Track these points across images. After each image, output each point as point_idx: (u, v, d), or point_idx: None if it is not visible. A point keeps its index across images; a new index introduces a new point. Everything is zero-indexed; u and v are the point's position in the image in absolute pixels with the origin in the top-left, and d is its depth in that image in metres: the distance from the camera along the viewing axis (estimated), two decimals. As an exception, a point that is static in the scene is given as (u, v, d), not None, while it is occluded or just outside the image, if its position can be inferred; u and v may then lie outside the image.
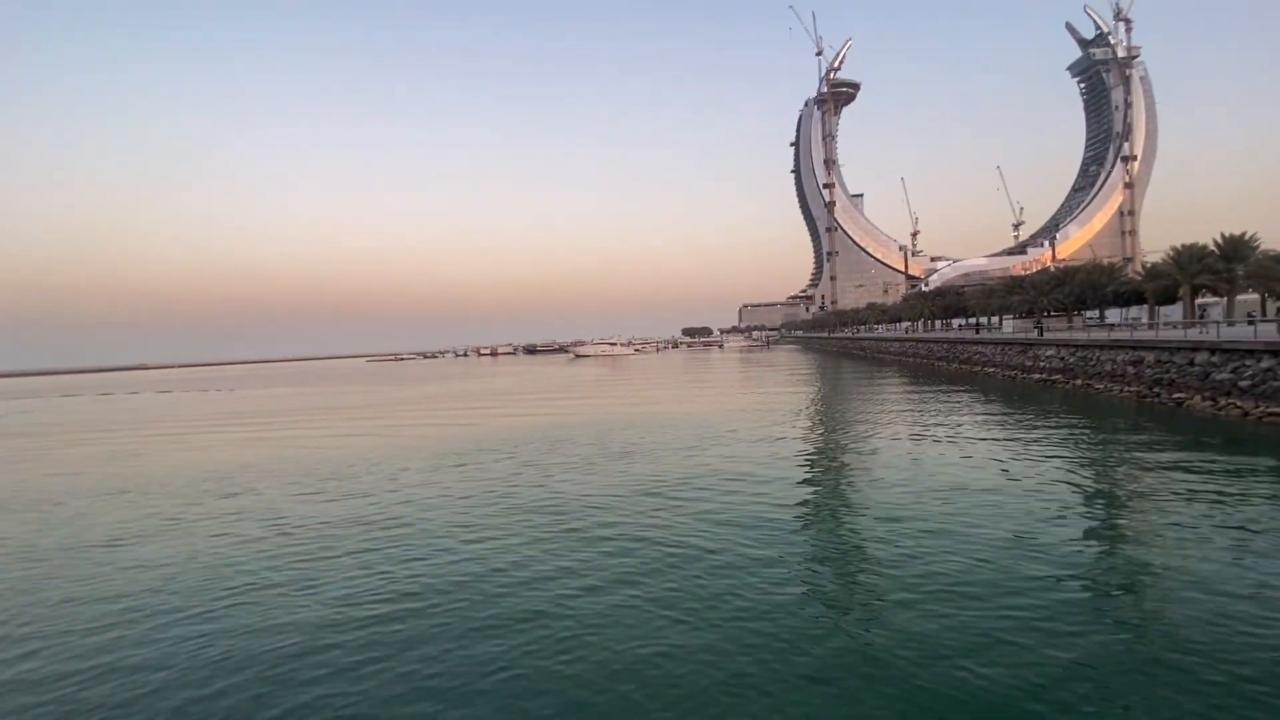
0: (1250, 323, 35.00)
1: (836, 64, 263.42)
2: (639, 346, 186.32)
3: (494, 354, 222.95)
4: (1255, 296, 48.04)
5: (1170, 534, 11.60)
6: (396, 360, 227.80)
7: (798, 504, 15.18)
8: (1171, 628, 8.10)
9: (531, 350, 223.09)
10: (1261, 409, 22.89)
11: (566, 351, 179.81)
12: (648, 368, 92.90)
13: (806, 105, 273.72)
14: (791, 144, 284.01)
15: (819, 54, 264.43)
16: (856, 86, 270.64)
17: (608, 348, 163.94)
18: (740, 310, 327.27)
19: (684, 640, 8.28)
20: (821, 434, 26.44)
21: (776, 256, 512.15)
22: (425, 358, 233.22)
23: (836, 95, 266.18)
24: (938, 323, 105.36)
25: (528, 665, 7.81)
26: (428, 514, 15.33)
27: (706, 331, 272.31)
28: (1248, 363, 25.27)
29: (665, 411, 35.77)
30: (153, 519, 16.31)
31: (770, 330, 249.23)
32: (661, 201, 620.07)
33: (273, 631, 9.11)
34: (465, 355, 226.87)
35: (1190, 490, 14.32)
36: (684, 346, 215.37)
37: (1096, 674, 7.06)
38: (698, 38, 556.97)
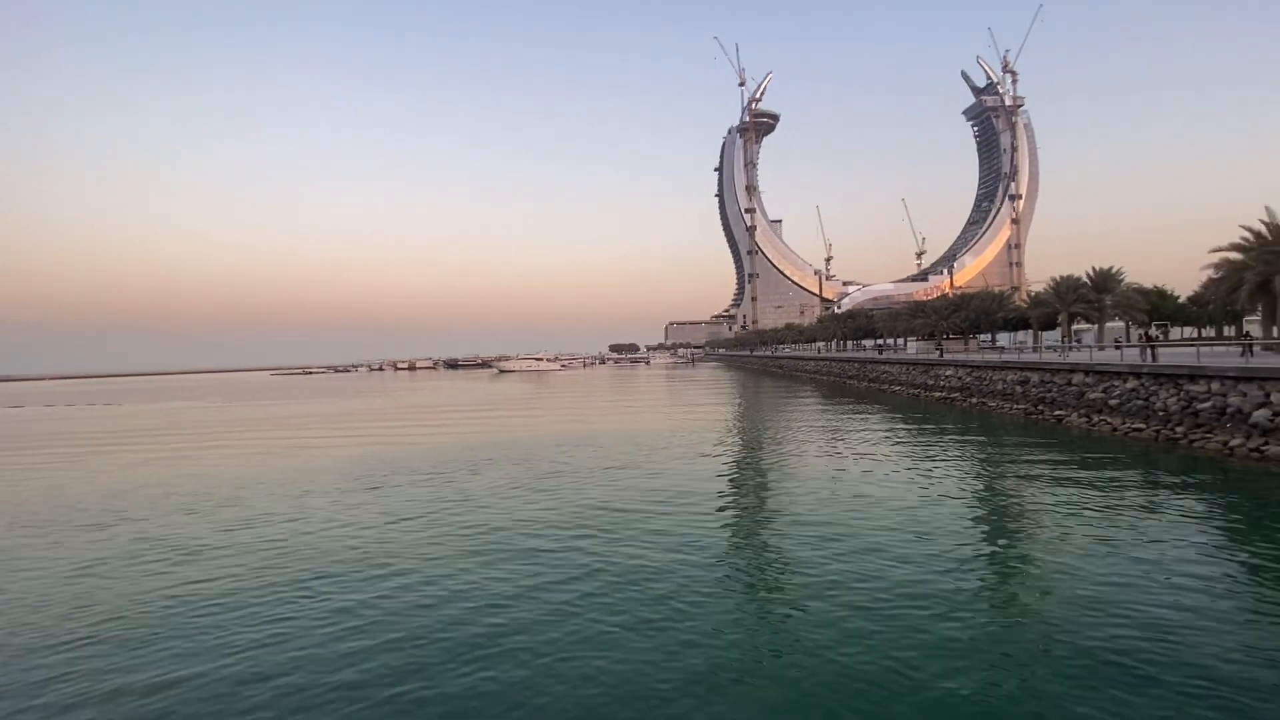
0: (1117, 347, 39.18)
1: (758, 95, 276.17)
2: (566, 362, 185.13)
3: (412, 368, 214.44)
4: (1121, 324, 53.93)
5: (1048, 535, 12.94)
6: (304, 374, 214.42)
7: (723, 518, 15.39)
8: (1049, 610, 9.26)
9: (453, 365, 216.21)
10: (1127, 425, 25.54)
11: (490, 367, 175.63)
12: (575, 384, 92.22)
13: (730, 133, 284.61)
14: (715, 169, 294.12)
15: (741, 84, 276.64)
16: (776, 117, 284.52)
17: (533, 363, 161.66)
18: (667, 328, 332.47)
19: (615, 654, 8.14)
20: (744, 450, 27.06)
21: (702, 276, 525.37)
22: (336, 371, 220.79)
23: (758, 125, 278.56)
24: (849, 343, 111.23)
25: (448, 690, 7.39)
26: (339, 543, 14.31)
27: (633, 348, 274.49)
28: (1115, 383, 28.19)
29: (593, 429, 35.50)
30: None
31: (695, 348, 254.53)
32: (591, 218, 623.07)
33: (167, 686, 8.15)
34: (380, 370, 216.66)
35: (1066, 498, 15.75)
36: (611, 363, 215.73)
37: (984, 652, 7.84)
38: (630, 57, 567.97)
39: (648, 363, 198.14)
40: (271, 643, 8.99)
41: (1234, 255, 36.05)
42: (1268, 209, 35.27)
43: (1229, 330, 57.23)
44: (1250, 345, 28.48)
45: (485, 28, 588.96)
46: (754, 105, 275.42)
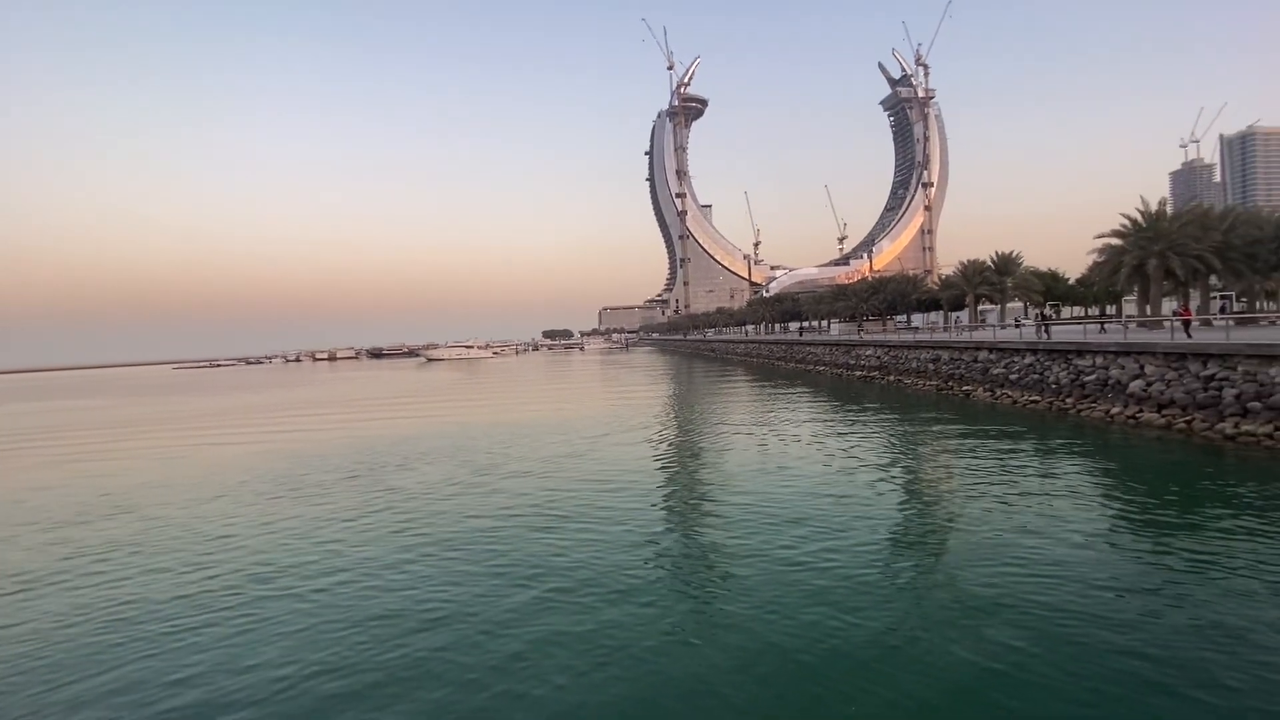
0: (1016, 326, 42.40)
1: (686, 79, 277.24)
2: (498, 349, 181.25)
3: (332, 359, 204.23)
4: (1020, 304, 58.33)
5: (955, 498, 14.11)
6: (212, 367, 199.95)
7: (660, 499, 15.71)
8: (952, 560, 10.13)
9: (377, 354, 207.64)
10: (1025, 397, 27.81)
11: (416, 355, 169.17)
12: (508, 371, 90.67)
13: (659, 117, 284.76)
14: (646, 153, 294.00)
15: (670, 68, 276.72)
16: (705, 102, 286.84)
17: (463, 350, 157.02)
18: (600, 313, 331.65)
19: (551, 635, 8.20)
20: (679, 433, 27.57)
21: (635, 260, 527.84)
22: (248, 364, 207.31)
23: (687, 109, 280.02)
24: (777, 325, 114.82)
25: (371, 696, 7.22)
26: (254, 548, 13.56)
27: (567, 334, 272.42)
28: (1015, 359, 30.58)
29: (529, 417, 35.13)
30: None
31: (629, 332, 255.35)
32: (523, 203, 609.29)
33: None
34: (297, 361, 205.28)
35: (971, 464, 17.12)
36: (545, 349, 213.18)
37: (894, 598, 8.58)
38: (561, 38, 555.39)
39: (582, 349, 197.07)
40: (165, 657, 8.48)
41: (1114, 241, 39.62)
42: (1142, 199, 38.96)
43: (1111, 309, 63.15)
44: (1099, 323, 31.53)
45: (407, 6, 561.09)
46: (683, 89, 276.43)
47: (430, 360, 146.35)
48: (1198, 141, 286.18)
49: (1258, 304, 45.03)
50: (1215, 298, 45.37)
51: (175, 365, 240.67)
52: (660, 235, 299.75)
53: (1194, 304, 38.98)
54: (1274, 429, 17.31)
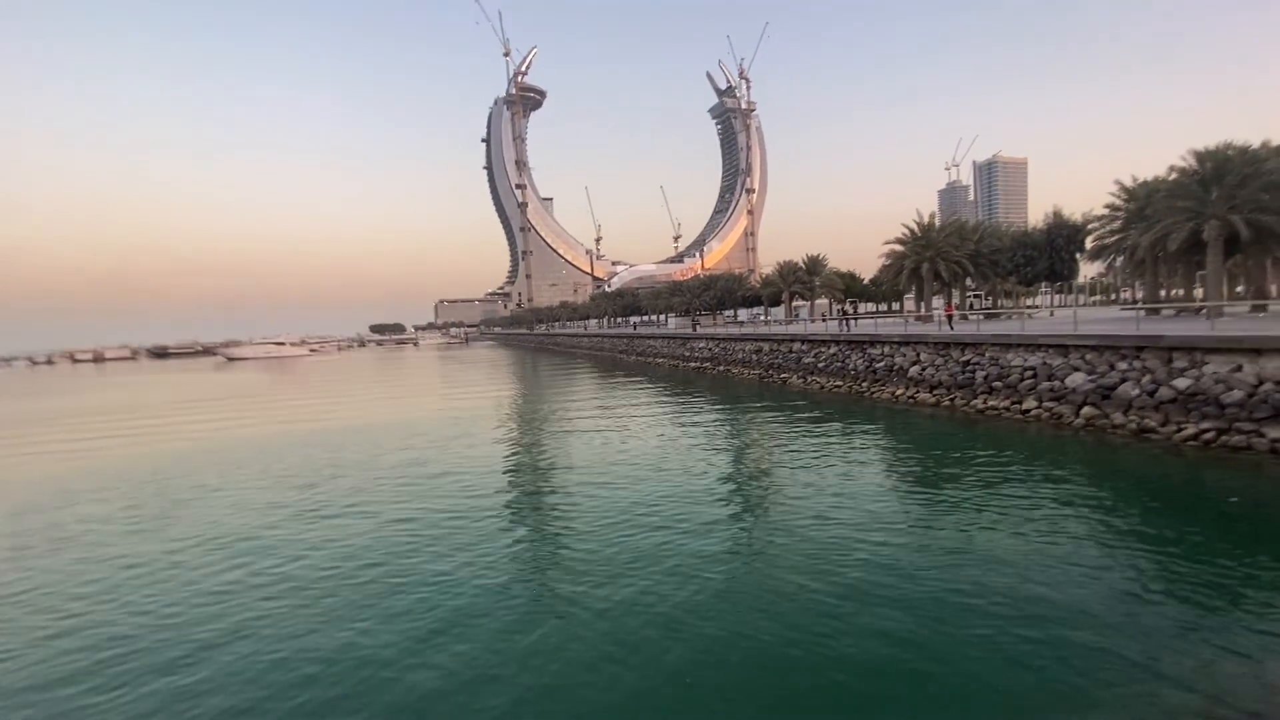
0: (823, 320, 47.84)
1: (524, 68, 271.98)
2: (316, 346, 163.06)
3: (98, 360, 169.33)
4: (826, 301, 65.82)
5: (772, 472, 15.67)
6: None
7: (503, 499, 15.26)
8: (778, 527, 11.31)
9: (161, 353, 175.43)
10: (831, 383, 31.49)
11: (214, 354, 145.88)
12: (328, 371, 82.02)
13: (496, 103, 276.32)
14: (483, 140, 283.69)
15: (506, 55, 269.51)
16: (543, 94, 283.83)
17: (274, 348, 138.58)
18: (437, 306, 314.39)
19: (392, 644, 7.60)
20: (526, 428, 27.07)
21: (475, 252, 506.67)
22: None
23: (525, 99, 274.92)
24: (619, 320, 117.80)
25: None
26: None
27: (399, 329, 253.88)
28: (822, 349, 34.48)
29: (352, 423, 32.16)
30: None
31: (469, 327, 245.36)
32: (347, 184, 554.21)
33: None
34: (49, 363, 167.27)
35: (785, 442, 19.06)
36: (373, 345, 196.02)
37: (712, 566, 9.52)
38: (386, 13, 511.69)
39: (416, 344, 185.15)
40: None
41: (897, 247, 46.38)
42: (918, 212, 46.04)
43: (896, 305, 73.88)
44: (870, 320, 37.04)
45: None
46: (520, 78, 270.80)
47: (231, 360, 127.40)
48: (958, 165, 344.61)
49: (999, 302, 55.55)
50: (970, 297, 55.13)
51: None
52: (501, 226, 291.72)
53: (955, 301, 46.97)
54: (1010, 403, 21.50)
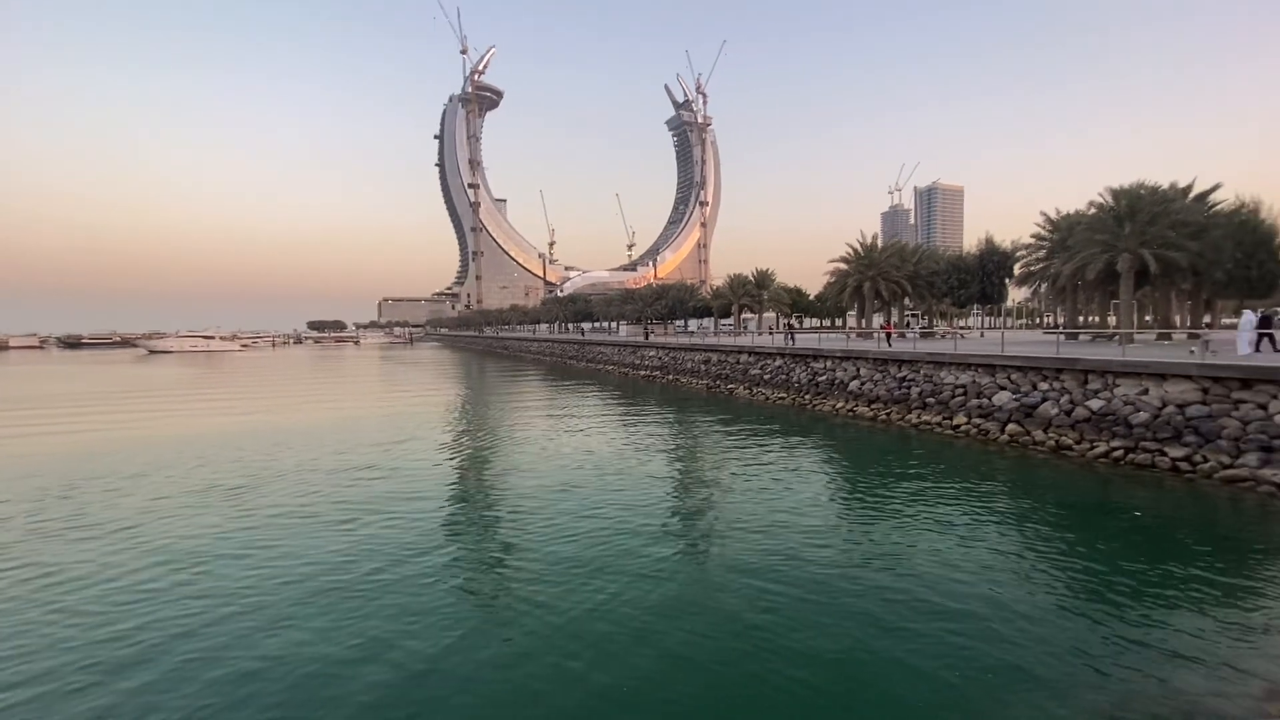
0: (771, 333, 48.89)
1: (481, 67, 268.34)
2: (248, 342, 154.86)
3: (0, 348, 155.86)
4: (773, 315, 67.35)
5: (717, 479, 15.83)
6: None
7: (449, 509, 14.83)
8: (721, 532, 11.67)
9: (74, 344, 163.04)
10: (776, 394, 32.17)
11: (135, 346, 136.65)
12: (261, 367, 78.04)
13: (451, 101, 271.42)
14: (436, 136, 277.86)
15: (464, 53, 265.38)
16: (500, 94, 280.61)
17: (201, 342, 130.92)
18: (380, 304, 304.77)
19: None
20: (464, 433, 26.43)
21: (423, 250, 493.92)
22: None
23: (481, 98, 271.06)
24: (570, 325, 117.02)
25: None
26: None
27: (340, 326, 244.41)
28: (768, 362, 35.20)
29: (287, 422, 30.67)
30: None
31: (415, 327, 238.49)
32: (291, 181, 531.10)
33: None
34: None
35: (729, 451, 19.33)
36: (311, 342, 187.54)
37: (661, 564, 9.67)
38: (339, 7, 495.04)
39: (357, 343, 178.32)
40: None
41: (842, 265, 47.99)
42: (862, 233, 47.84)
43: (839, 321, 76.36)
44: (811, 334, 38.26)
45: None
46: (477, 77, 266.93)
47: (154, 353, 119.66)
48: (900, 190, 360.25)
49: (934, 322, 58.17)
50: (908, 316, 57.55)
51: None
52: (451, 225, 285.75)
53: (895, 320, 48.93)
54: (943, 419, 22.47)
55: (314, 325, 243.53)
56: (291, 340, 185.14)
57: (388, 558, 11.23)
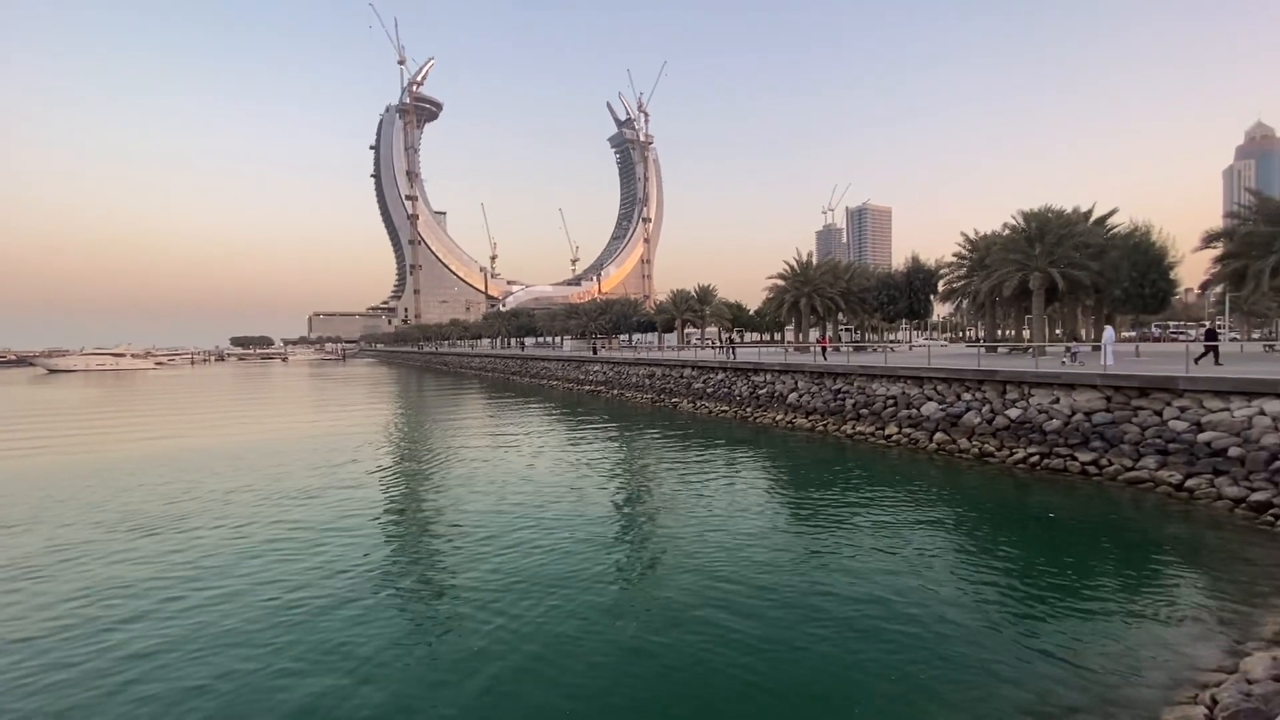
0: (714, 347, 49.73)
1: (419, 78, 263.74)
2: (164, 359, 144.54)
3: None
4: (715, 329, 68.58)
5: (660, 490, 15.79)
6: None
7: (386, 531, 14.18)
8: (664, 543, 11.67)
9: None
10: (719, 407, 32.65)
11: (32, 365, 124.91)
12: (177, 386, 72.85)
13: (388, 111, 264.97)
14: (372, 147, 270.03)
15: (401, 63, 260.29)
16: (439, 106, 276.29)
17: (110, 360, 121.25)
18: (311, 319, 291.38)
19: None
20: (400, 451, 25.49)
21: (357, 263, 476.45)
22: None
23: (419, 109, 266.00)
24: (513, 340, 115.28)
25: None
26: None
27: (267, 341, 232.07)
28: (711, 375, 35.74)
29: (205, 446, 28.73)
30: None
31: (348, 343, 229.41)
32: (215, 190, 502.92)
33: None
34: None
35: (673, 463, 19.45)
36: (234, 359, 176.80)
37: (631, 584, 8.87)
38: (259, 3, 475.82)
39: (285, 359, 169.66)
40: None
41: (779, 281, 49.50)
42: (798, 250, 49.57)
43: (778, 335, 78.54)
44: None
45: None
46: (415, 88, 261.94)
47: (54, 372, 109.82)
48: (833, 210, 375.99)
49: (866, 336, 60.68)
50: (841, 330, 59.83)
51: None
52: (388, 237, 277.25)
53: (830, 334, 50.75)
54: (875, 429, 23.37)
55: (238, 341, 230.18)
56: (213, 357, 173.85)
57: (321, 589, 10.61)
